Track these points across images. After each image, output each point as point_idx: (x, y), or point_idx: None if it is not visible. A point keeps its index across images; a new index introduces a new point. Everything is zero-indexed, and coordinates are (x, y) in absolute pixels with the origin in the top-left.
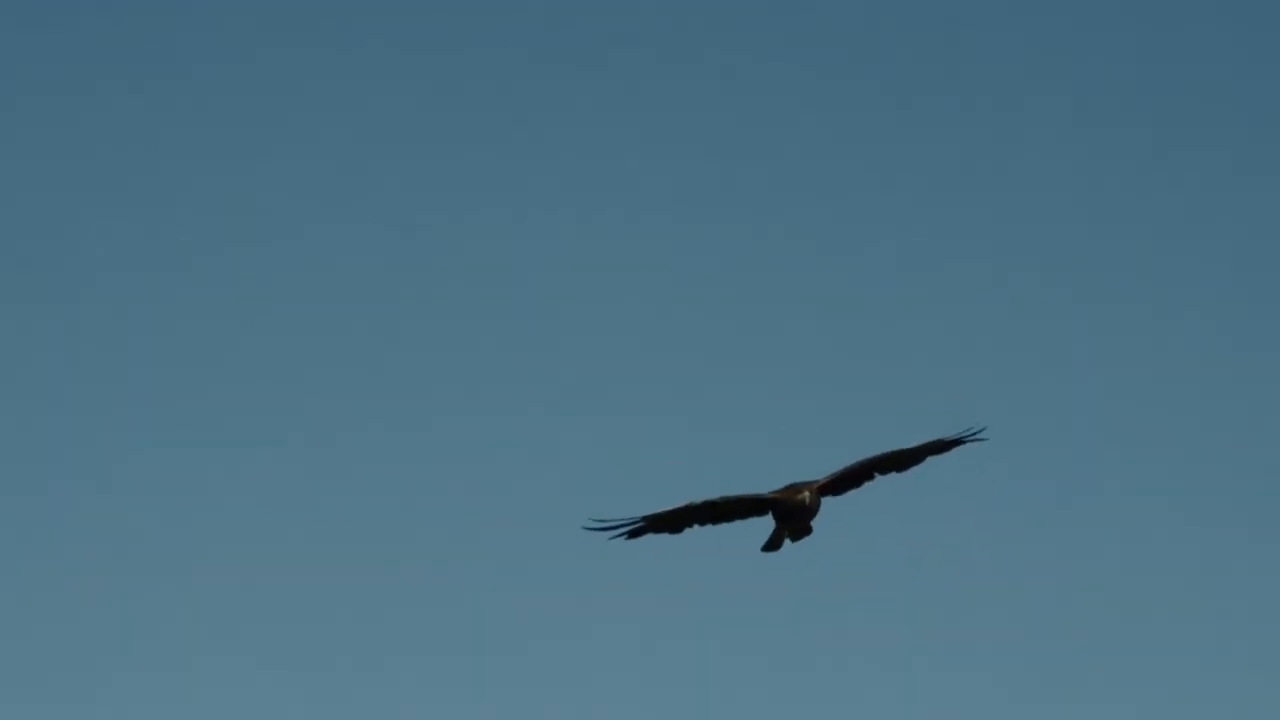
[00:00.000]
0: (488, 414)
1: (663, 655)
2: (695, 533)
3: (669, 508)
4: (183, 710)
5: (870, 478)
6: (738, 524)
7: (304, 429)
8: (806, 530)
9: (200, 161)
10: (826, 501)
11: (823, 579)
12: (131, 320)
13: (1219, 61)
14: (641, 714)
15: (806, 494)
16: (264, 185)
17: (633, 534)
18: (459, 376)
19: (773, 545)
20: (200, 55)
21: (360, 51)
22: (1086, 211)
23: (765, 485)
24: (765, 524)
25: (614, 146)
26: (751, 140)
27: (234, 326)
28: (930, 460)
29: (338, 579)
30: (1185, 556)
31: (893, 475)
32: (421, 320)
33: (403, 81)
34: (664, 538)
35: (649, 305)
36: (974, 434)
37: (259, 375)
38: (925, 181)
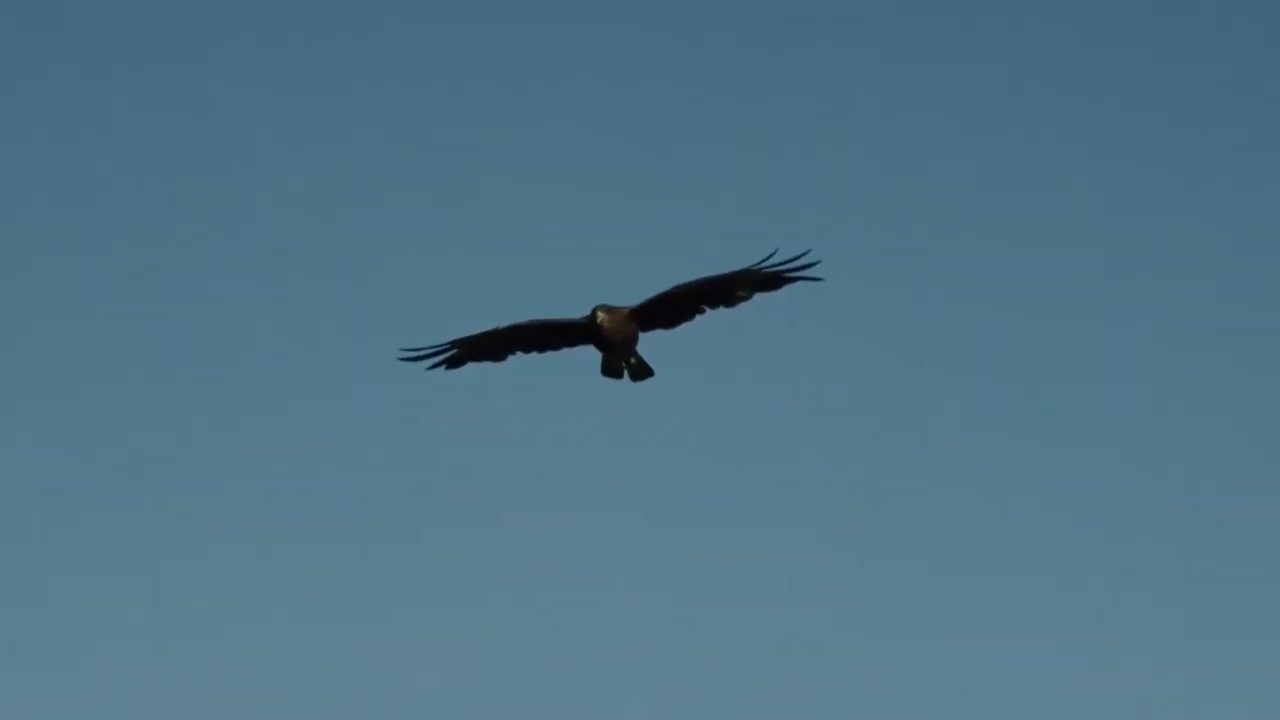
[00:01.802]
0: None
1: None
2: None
3: (477, 332)
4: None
5: (697, 310)
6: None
7: None
8: (638, 365)
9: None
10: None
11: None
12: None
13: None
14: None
15: (599, 313)
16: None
17: (451, 363)
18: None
19: (609, 371)
20: None
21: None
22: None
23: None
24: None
25: None
26: None
27: None
28: (762, 298)
29: None
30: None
31: (723, 311)
32: None
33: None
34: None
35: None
36: (801, 268)
37: None
38: None
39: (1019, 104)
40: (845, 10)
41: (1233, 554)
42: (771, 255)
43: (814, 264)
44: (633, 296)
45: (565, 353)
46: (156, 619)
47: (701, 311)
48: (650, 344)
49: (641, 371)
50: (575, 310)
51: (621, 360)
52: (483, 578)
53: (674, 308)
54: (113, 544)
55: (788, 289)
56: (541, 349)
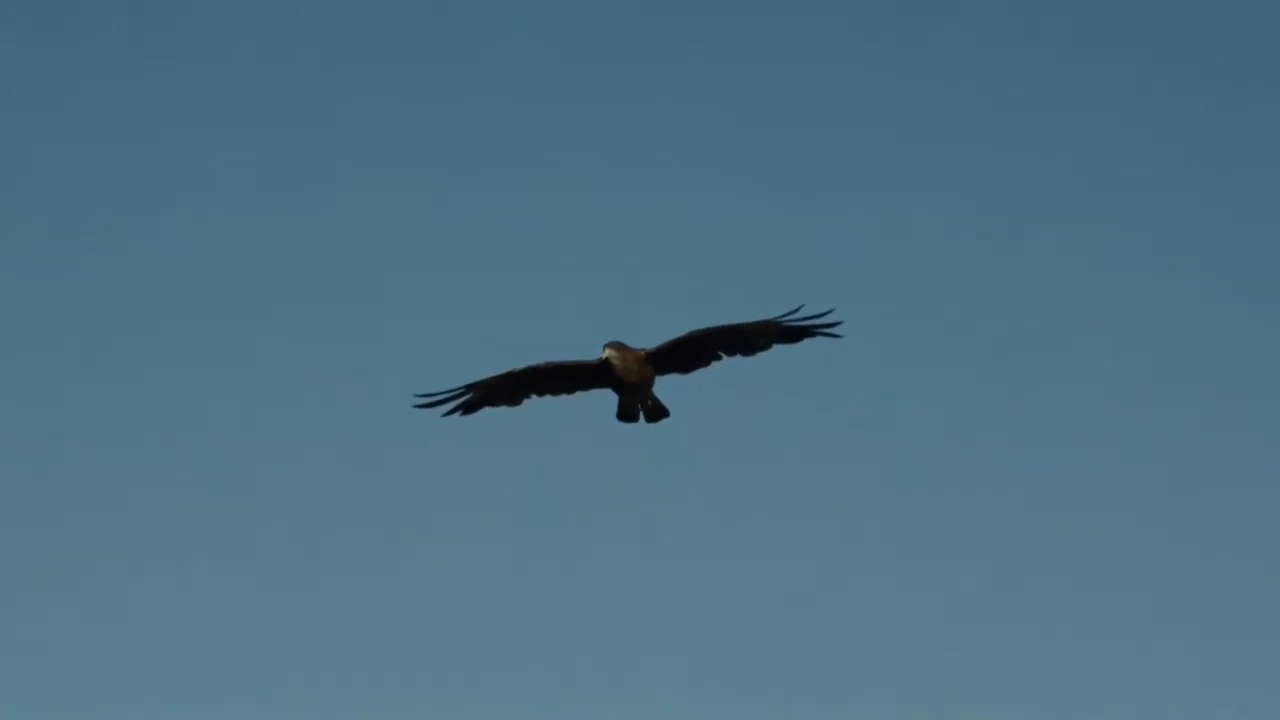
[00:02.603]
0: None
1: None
2: None
3: (492, 375)
4: None
5: (714, 355)
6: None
7: None
8: (653, 406)
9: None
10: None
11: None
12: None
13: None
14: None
15: (608, 350)
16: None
17: (466, 408)
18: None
19: (625, 415)
20: None
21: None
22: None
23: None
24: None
25: None
26: None
27: None
28: (779, 349)
29: None
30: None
31: (740, 359)
32: None
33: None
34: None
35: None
36: (824, 324)
37: None
38: None
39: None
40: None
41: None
42: (796, 310)
43: (837, 323)
44: (649, 340)
45: (580, 396)
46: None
47: (718, 358)
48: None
49: (657, 413)
50: (592, 354)
51: (637, 402)
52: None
53: (691, 353)
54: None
55: (806, 341)
56: (556, 392)
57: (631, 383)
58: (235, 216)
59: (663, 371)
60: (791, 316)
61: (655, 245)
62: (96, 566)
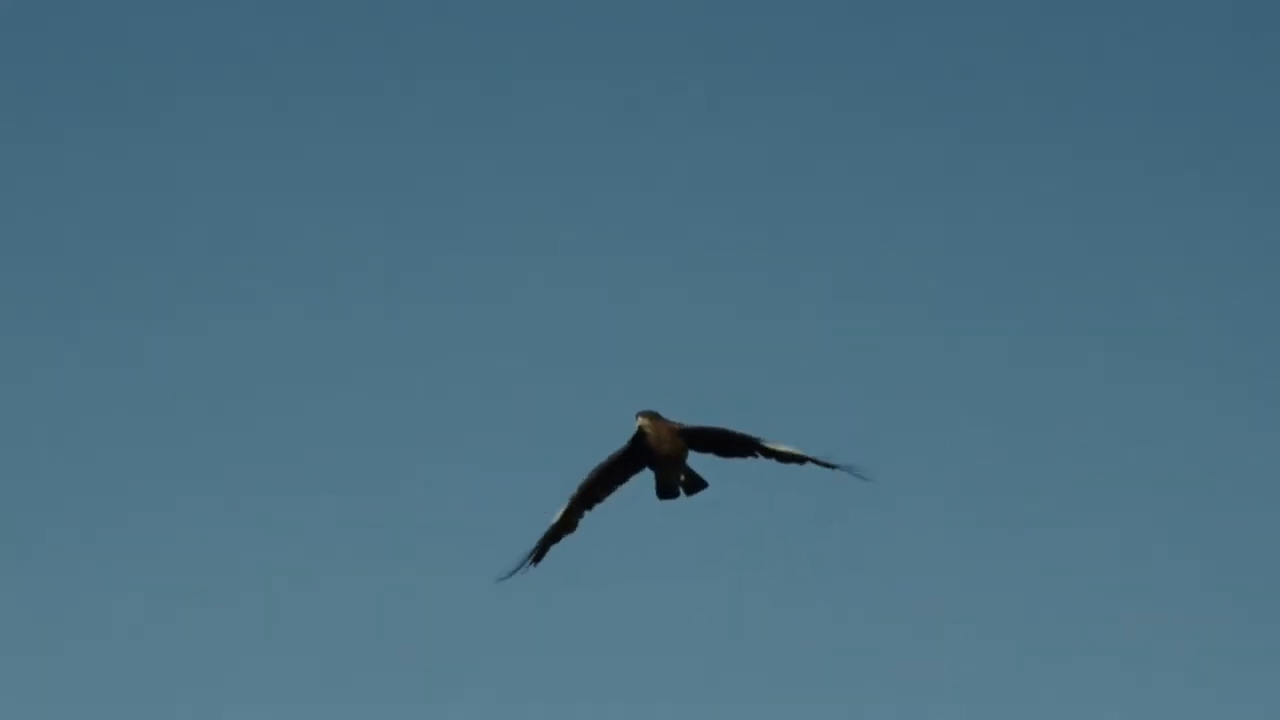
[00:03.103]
0: None
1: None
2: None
3: (553, 520)
4: None
5: (749, 453)
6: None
7: None
8: (690, 480)
9: None
10: None
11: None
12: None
13: None
14: None
15: (642, 420)
16: None
17: (537, 559)
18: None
19: (665, 493)
20: None
21: None
22: None
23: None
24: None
25: None
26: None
27: None
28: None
29: None
30: None
31: (774, 463)
32: None
33: None
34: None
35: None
36: (856, 468)
37: None
38: None
39: None
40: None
41: None
42: (831, 462)
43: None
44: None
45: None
46: None
47: (754, 456)
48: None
49: (694, 485)
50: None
51: (673, 477)
52: None
53: (725, 445)
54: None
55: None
56: (603, 497)
57: (664, 453)
58: None
59: (696, 447)
60: (824, 458)
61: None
62: None
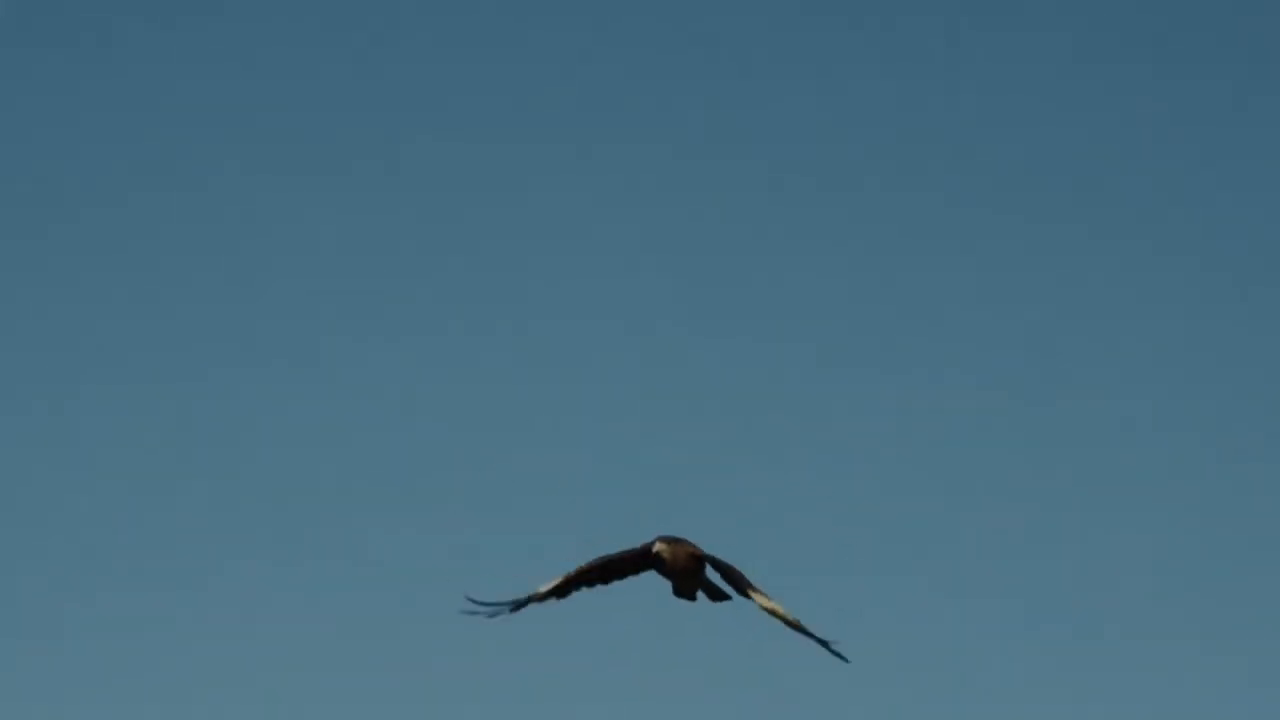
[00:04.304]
0: None
1: None
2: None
3: (549, 584)
4: None
5: (744, 595)
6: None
7: None
8: (710, 589)
9: None
10: None
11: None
12: None
13: None
14: None
15: (659, 544)
16: None
17: (515, 607)
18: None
19: (682, 595)
20: None
21: None
22: None
23: None
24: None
25: None
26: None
27: None
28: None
29: None
30: None
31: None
32: None
33: None
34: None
35: None
36: (836, 648)
37: None
38: None
39: None
40: None
41: None
42: (819, 635)
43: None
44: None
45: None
46: None
47: (748, 599)
48: None
49: (716, 595)
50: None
51: (689, 587)
52: None
53: (730, 582)
54: None
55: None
56: (605, 582)
57: (680, 568)
58: None
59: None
60: (810, 633)
61: None
62: None
